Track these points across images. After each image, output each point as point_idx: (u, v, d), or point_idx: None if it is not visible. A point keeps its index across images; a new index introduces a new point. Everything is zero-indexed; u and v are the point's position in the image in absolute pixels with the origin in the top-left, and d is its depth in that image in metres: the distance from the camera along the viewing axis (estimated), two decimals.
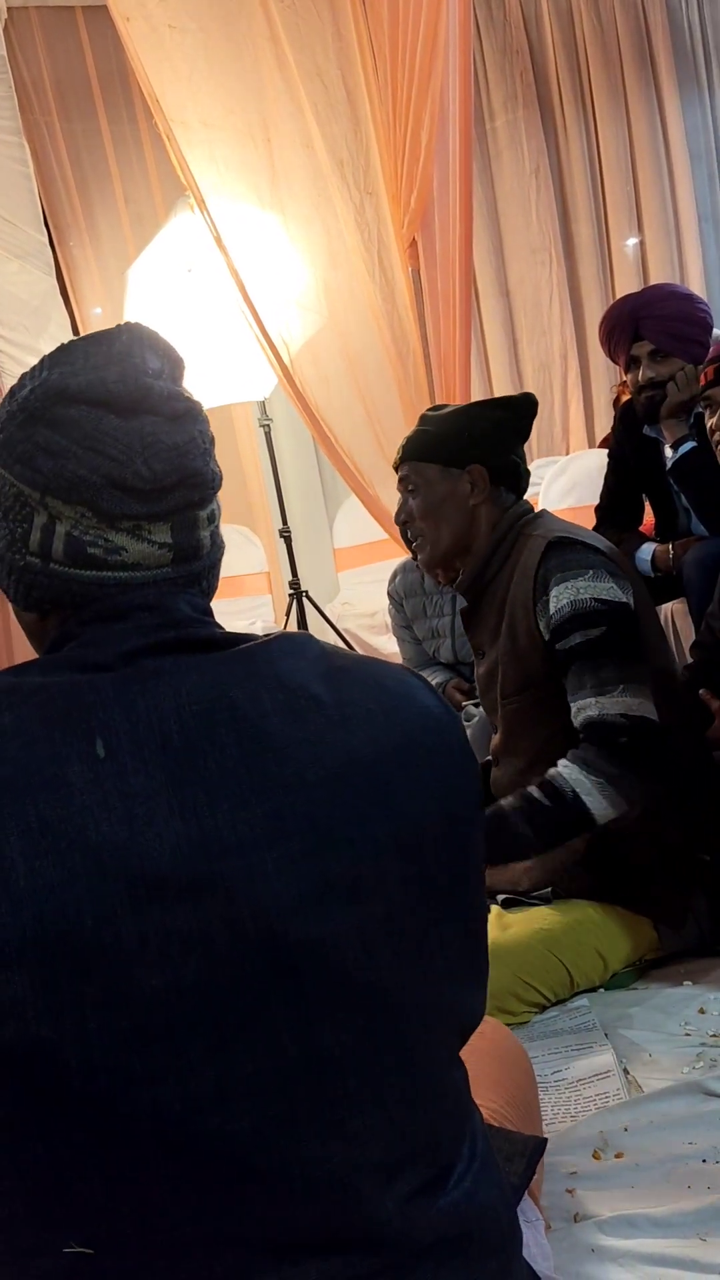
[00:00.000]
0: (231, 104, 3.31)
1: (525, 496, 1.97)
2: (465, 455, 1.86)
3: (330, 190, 3.54)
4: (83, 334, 3.12)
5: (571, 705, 1.72)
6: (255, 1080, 0.67)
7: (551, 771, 1.68)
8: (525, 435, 1.94)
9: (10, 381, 3.76)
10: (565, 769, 1.67)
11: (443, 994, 0.76)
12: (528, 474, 1.94)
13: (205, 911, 0.66)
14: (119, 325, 0.79)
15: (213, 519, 0.82)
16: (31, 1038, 0.63)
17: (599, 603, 1.71)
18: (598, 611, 1.70)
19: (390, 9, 3.35)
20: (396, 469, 1.95)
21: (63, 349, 0.78)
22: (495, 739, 1.98)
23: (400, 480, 1.94)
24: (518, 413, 1.91)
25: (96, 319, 4.24)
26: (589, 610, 1.70)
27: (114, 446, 0.74)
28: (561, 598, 1.73)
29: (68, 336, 3.90)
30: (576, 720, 1.70)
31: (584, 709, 1.69)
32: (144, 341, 0.78)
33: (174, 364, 0.80)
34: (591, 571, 1.73)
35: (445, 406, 1.97)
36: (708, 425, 2.22)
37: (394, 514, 1.97)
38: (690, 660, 2.26)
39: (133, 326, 0.79)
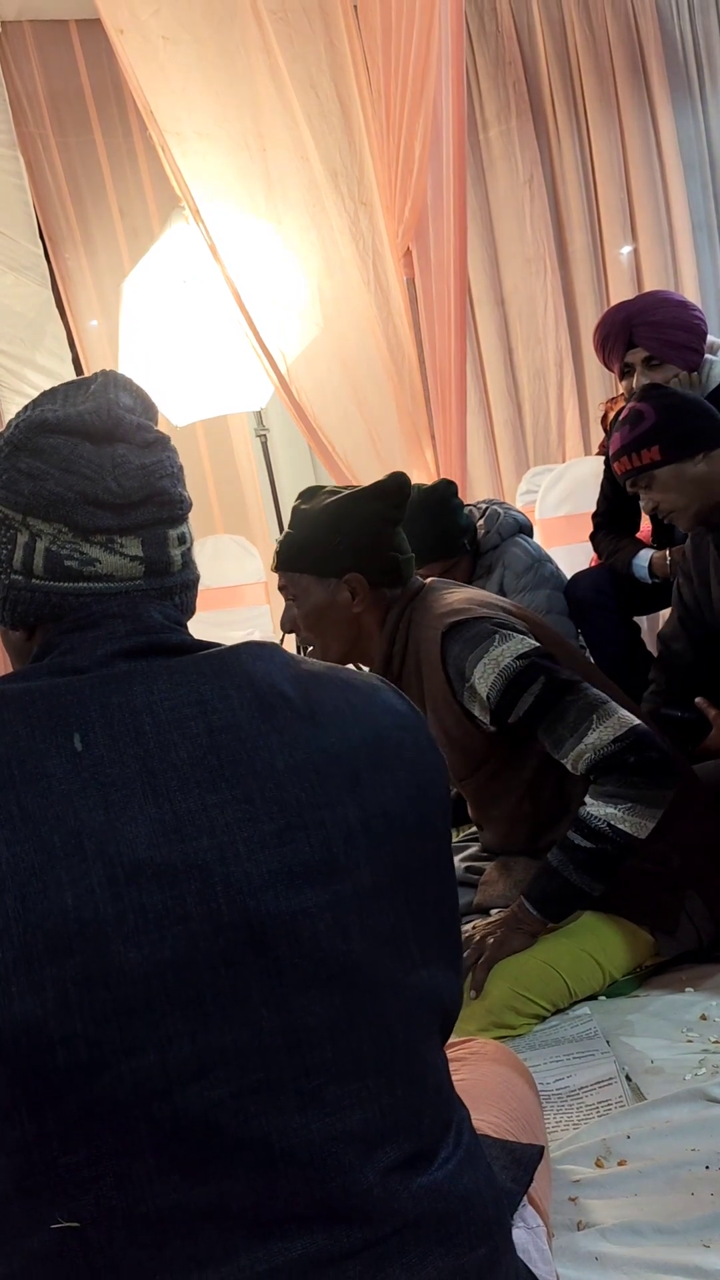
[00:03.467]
0: (226, 115, 3.33)
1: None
2: (339, 564, 1.79)
3: (325, 201, 3.55)
4: (79, 346, 3.16)
5: (564, 761, 1.70)
6: (233, 1050, 0.70)
7: (582, 812, 1.66)
8: (399, 521, 1.84)
9: (7, 395, 3.77)
10: (594, 808, 1.65)
11: (417, 974, 0.79)
12: (410, 560, 1.86)
13: (181, 890, 0.71)
14: (96, 371, 0.88)
15: (184, 540, 0.87)
16: (15, 1012, 0.66)
17: (520, 659, 1.68)
18: (525, 667, 1.67)
19: (383, 21, 3.37)
20: (274, 570, 1.87)
21: (46, 392, 0.88)
22: (469, 807, 2.02)
23: (280, 587, 1.87)
24: (389, 502, 1.81)
25: (92, 331, 4.25)
26: (518, 670, 1.67)
27: (88, 467, 0.81)
28: (487, 674, 1.69)
29: (64, 349, 3.92)
30: (577, 769, 1.68)
31: (579, 757, 1.67)
32: (118, 383, 0.86)
33: (146, 405, 0.88)
34: (495, 635, 1.70)
35: (316, 494, 1.86)
36: (642, 506, 2.27)
37: (279, 621, 1.89)
38: (655, 679, 2.30)
39: (108, 372, 0.87)
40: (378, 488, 1.82)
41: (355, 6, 3.65)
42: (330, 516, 1.79)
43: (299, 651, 1.85)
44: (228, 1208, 0.70)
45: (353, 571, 1.79)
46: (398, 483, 1.82)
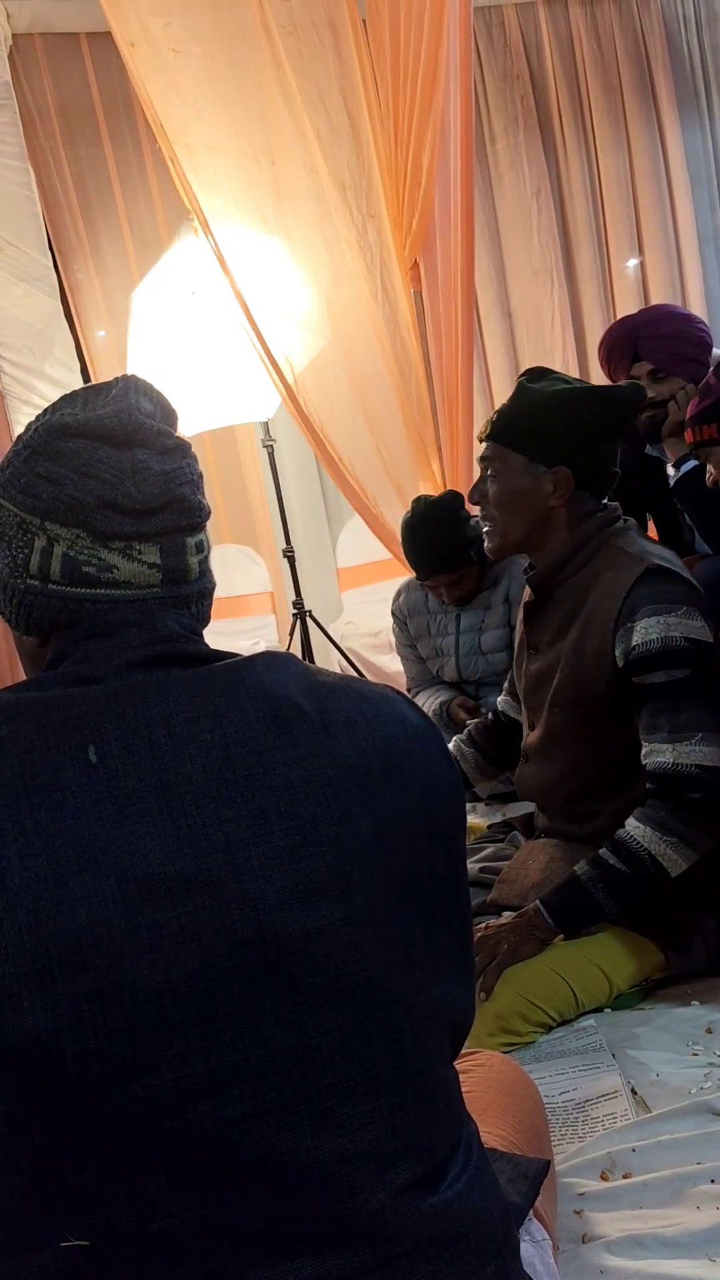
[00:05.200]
0: (235, 128, 3.34)
1: None
2: (554, 455, 1.74)
3: (333, 213, 3.57)
4: (87, 356, 3.18)
5: (644, 745, 1.68)
6: (246, 1069, 0.69)
7: (623, 834, 1.65)
8: (623, 433, 1.81)
9: (15, 404, 3.78)
10: (637, 831, 1.64)
11: (430, 989, 0.79)
12: (616, 475, 1.82)
13: (194, 906, 0.69)
14: (117, 376, 0.86)
15: (201, 548, 0.86)
16: (29, 1029, 0.66)
17: (689, 642, 1.64)
18: (686, 651, 1.64)
19: (391, 35, 3.38)
20: (481, 440, 1.82)
21: (65, 396, 0.87)
22: (531, 736, 1.92)
23: (482, 458, 1.81)
24: (620, 410, 1.77)
25: (100, 342, 4.27)
26: (678, 649, 1.63)
27: (107, 471, 0.80)
28: (651, 631, 1.65)
29: (72, 359, 3.94)
30: (646, 762, 1.66)
31: (656, 754, 1.65)
32: (139, 389, 0.85)
33: (166, 411, 0.86)
34: (685, 608, 1.66)
35: (549, 375, 1.82)
36: (708, 479, 2.24)
37: (470, 489, 1.84)
38: None
39: (129, 377, 0.86)
40: (612, 392, 1.79)
41: (364, 21, 3.66)
42: (559, 404, 1.74)
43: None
44: (239, 1227, 0.69)
45: (564, 466, 1.75)
46: (633, 394, 1.79)
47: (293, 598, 4.07)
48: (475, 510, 1.96)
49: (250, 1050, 0.70)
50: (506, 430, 1.78)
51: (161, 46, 3.18)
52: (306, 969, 0.71)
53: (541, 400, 1.76)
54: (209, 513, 0.87)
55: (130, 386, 0.84)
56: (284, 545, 4.07)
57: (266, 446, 3.96)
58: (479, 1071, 1.25)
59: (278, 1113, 0.70)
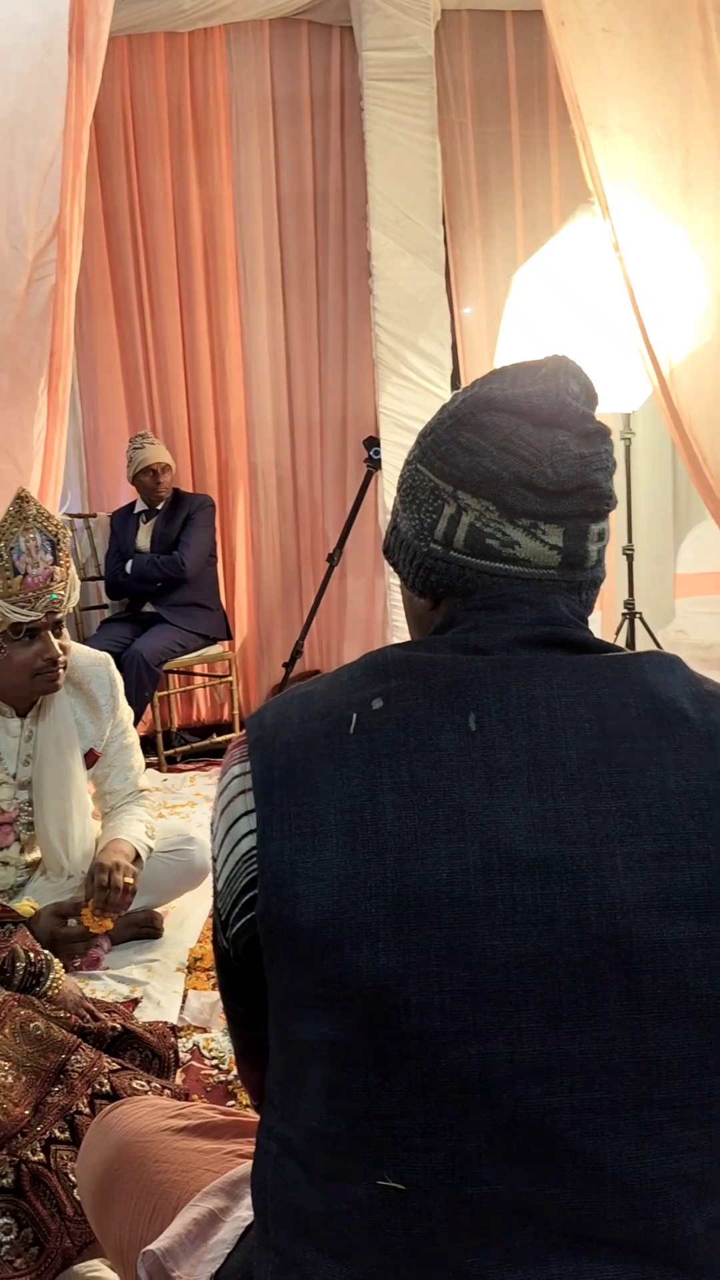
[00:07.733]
0: (651, 111, 3.24)
1: None
2: None
3: None
4: (458, 332, 3.22)
5: None
6: (581, 1062, 0.69)
7: None
8: None
9: (384, 373, 3.90)
10: None
11: None
12: None
13: (551, 890, 0.69)
14: (549, 355, 0.86)
15: (603, 536, 0.85)
16: (381, 967, 0.69)
17: None
18: None
19: None
20: None
21: (496, 370, 0.86)
22: None
23: None
24: None
25: (465, 319, 4.31)
26: None
27: (526, 449, 0.80)
28: None
29: (445, 334, 4.00)
30: None
31: None
32: (568, 369, 0.83)
33: (590, 395, 0.85)
34: None
35: None
36: None
37: None
38: None
39: (559, 356, 0.85)
40: None
41: None
42: None
43: None
44: (548, 1214, 0.70)
45: None
46: None
47: (625, 597, 3.97)
48: None
49: (588, 1045, 0.69)
50: None
51: (592, 25, 3.13)
52: (655, 980, 0.69)
53: None
54: (616, 502, 0.86)
55: (561, 367, 0.83)
56: (625, 543, 3.96)
57: (625, 439, 3.87)
58: None
59: (605, 1113, 0.69)
